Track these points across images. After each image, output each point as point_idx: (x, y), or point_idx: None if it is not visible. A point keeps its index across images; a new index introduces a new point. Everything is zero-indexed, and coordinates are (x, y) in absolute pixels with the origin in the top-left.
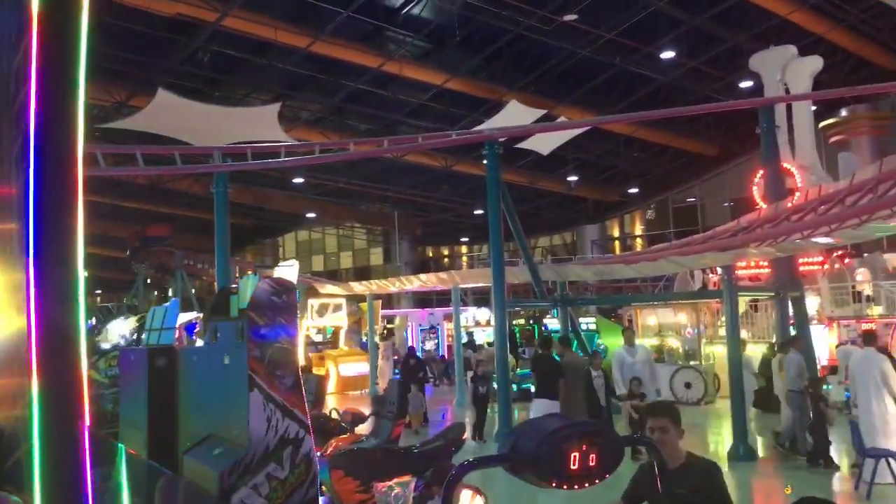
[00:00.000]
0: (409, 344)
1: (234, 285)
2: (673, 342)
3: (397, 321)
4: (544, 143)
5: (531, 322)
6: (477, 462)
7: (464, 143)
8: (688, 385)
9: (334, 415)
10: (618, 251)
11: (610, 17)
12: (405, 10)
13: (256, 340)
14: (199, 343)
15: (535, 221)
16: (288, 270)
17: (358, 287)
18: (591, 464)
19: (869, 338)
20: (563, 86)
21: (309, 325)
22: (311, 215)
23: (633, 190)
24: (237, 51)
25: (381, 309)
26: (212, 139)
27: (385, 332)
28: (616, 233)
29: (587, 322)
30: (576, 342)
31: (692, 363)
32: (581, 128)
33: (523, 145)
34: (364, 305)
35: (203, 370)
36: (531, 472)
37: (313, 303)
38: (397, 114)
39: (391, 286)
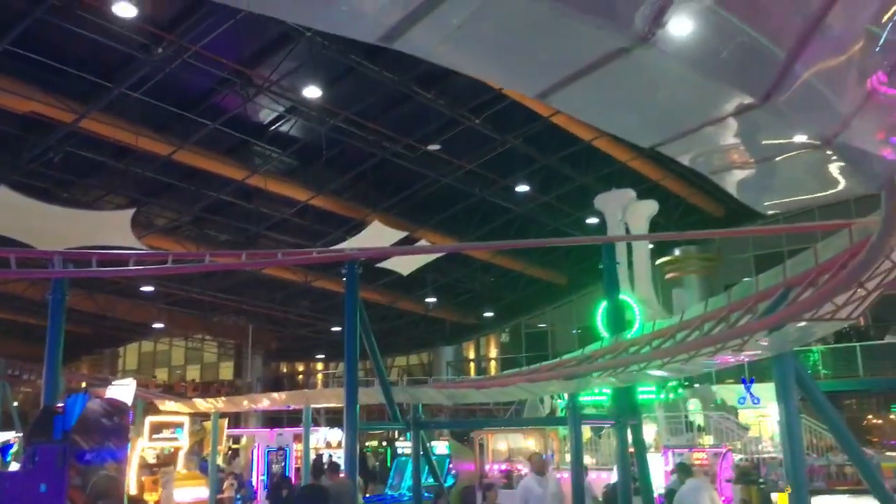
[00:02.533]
0: (283, 472)
1: (60, 404)
2: (521, 467)
3: (244, 441)
4: (405, 265)
5: (384, 444)
6: None
7: (324, 261)
8: None
9: None
10: (472, 373)
11: (471, 149)
12: (273, 127)
13: (80, 466)
14: (14, 467)
15: (392, 340)
16: (123, 389)
17: (203, 404)
18: None
19: (684, 469)
20: (424, 210)
21: (145, 447)
22: (158, 326)
23: (489, 314)
24: (93, 153)
25: (227, 427)
26: (56, 242)
27: (230, 452)
28: (472, 354)
29: (440, 445)
30: (427, 467)
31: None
32: (439, 253)
33: (384, 265)
34: (208, 424)
35: (14, 499)
36: None
37: (152, 420)
38: (259, 227)
39: (240, 404)
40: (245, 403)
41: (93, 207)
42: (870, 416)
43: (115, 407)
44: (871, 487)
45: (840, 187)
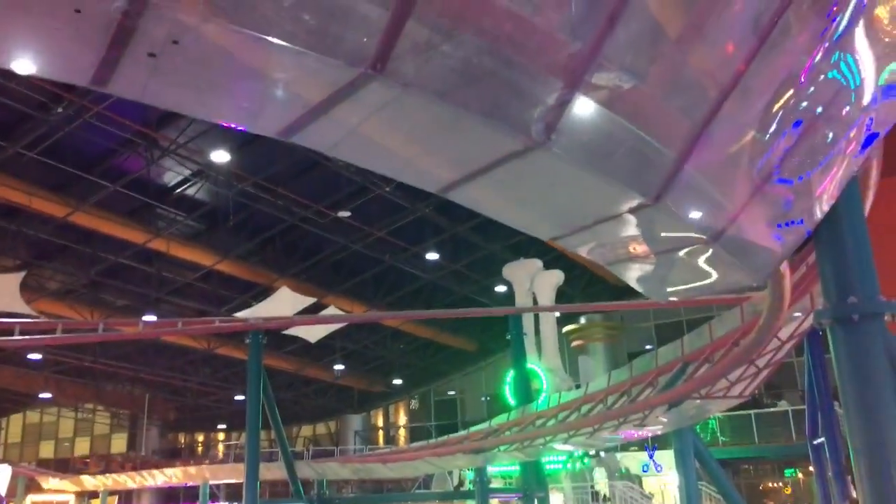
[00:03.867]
0: None
1: None
2: None
3: None
4: (312, 332)
5: None
6: None
7: (227, 330)
8: None
9: None
10: (381, 441)
11: (381, 217)
12: (179, 190)
13: None
14: None
15: (299, 409)
16: None
17: (90, 481)
18: None
19: None
20: (333, 276)
21: None
22: (45, 396)
23: (398, 381)
24: None
25: None
26: None
27: None
28: (380, 422)
29: None
30: None
31: None
32: (345, 322)
33: (291, 332)
34: (97, 503)
35: None
36: None
37: (34, 500)
38: (160, 291)
39: (130, 481)
40: (137, 480)
41: None
42: (766, 481)
43: None
44: None
45: (730, 280)
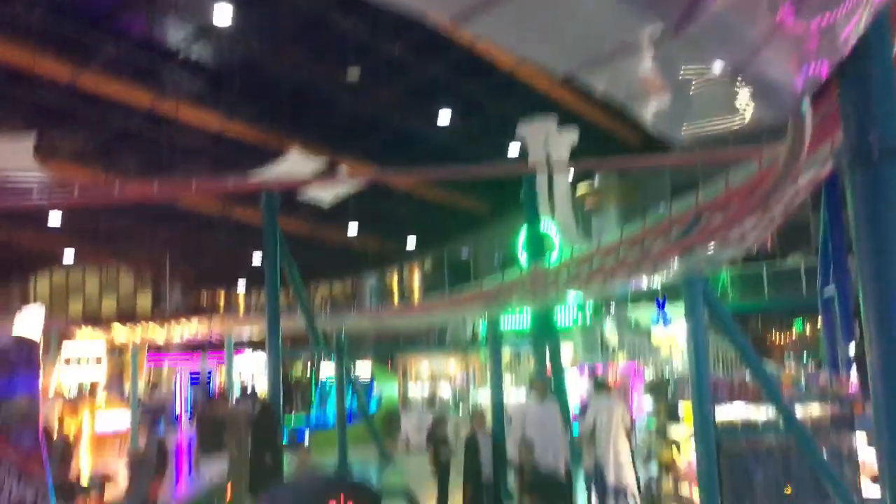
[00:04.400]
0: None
1: None
2: (443, 389)
3: (165, 370)
4: (325, 196)
5: (309, 370)
6: None
7: (240, 190)
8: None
9: (82, 477)
10: (396, 301)
11: (392, 77)
12: (184, 51)
13: None
14: None
15: (315, 270)
16: (32, 315)
17: (120, 333)
18: None
19: (600, 386)
20: (344, 138)
21: (61, 379)
22: (69, 256)
23: (411, 243)
24: None
25: (148, 357)
26: None
27: (150, 383)
28: (395, 283)
29: (363, 370)
30: (351, 390)
31: (461, 410)
32: (358, 182)
33: (303, 195)
34: (128, 355)
35: None
36: None
37: (68, 352)
38: (172, 155)
39: (158, 332)
40: (164, 332)
41: None
42: (773, 334)
43: (24, 341)
44: (769, 397)
45: (750, 116)
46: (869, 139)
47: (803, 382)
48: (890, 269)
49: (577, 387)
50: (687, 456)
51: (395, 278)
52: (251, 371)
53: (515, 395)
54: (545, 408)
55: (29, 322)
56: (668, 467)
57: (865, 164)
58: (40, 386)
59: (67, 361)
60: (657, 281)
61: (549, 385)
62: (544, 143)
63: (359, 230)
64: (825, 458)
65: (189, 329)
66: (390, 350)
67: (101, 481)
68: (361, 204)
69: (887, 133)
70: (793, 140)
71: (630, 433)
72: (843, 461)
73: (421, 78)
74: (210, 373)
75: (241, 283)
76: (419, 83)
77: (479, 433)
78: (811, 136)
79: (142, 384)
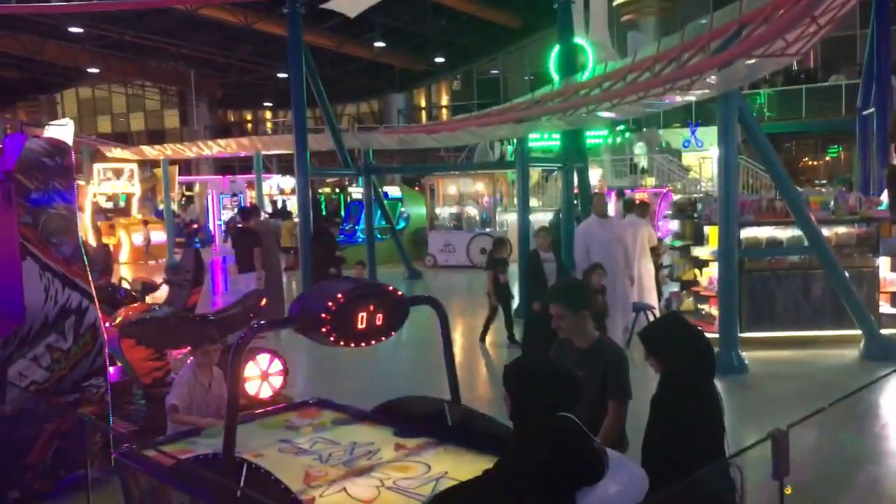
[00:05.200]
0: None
1: None
2: (471, 210)
3: (197, 188)
4: (350, 5)
5: (337, 191)
6: (266, 325)
7: None
8: (483, 250)
9: (124, 285)
10: (424, 121)
11: None
12: None
13: (28, 206)
14: None
15: (341, 88)
16: (61, 130)
17: (150, 151)
18: (377, 323)
19: (629, 205)
20: None
21: (96, 192)
22: (93, 70)
23: (440, 59)
24: None
25: (179, 175)
26: None
27: (184, 199)
28: (423, 103)
29: (391, 190)
30: (379, 211)
31: (487, 230)
32: None
33: (328, 6)
34: (159, 171)
35: None
36: (320, 334)
37: (100, 167)
38: None
39: (187, 151)
40: (194, 150)
41: None
42: (807, 158)
43: (56, 146)
44: (797, 218)
45: None
46: None
47: (832, 203)
48: None
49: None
50: (709, 274)
51: (423, 96)
52: (281, 191)
53: (543, 217)
54: (606, 224)
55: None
56: (689, 285)
57: None
58: (76, 193)
59: (101, 175)
60: (693, 98)
61: (606, 200)
62: None
63: (386, 45)
64: (846, 277)
65: (219, 146)
66: (417, 170)
67: (142, 289)
68: (389, 17)
69: None
70: None
71: (657, 252)
72: (864, 282)
73: None
74: (241, 193)
75: (268, 103)
76: None
77: (540, 250)
78: None
79: (174, 202)
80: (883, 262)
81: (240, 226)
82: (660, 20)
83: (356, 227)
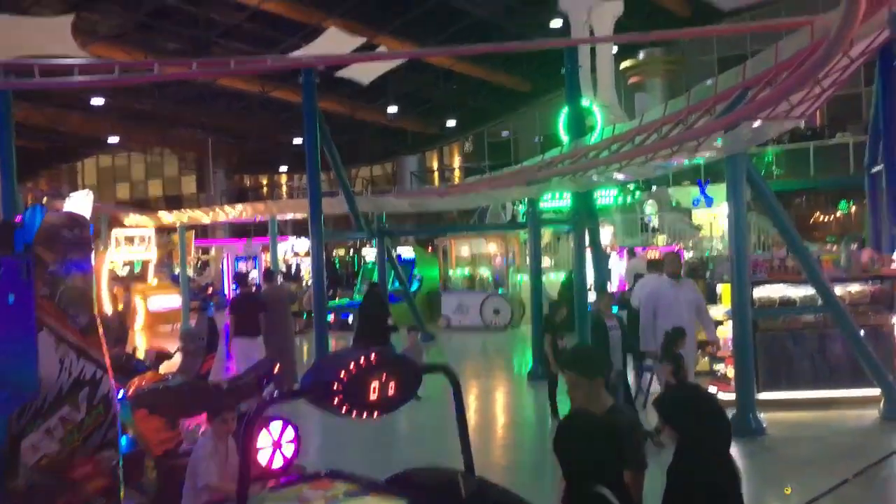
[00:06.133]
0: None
1: (18, 218)
2: (483, 271)
3: (213, 252)
4: (364, 73)
5: (352, 253)
6: (279, 396)
7: (279, 69)
8: (496, 311)
9: (138, 355)
10: (436, 182)
11: None
12: None
13: (45, 278)
14: None
15: (355, 152)
16: (81, 200)
17: (167, 217)
18: (390, 392)
19: (653, 265)
20: (383, 15)
21: (113, 259)
22: (113, 139)
23: (451, 122)
24: None
25: (196, 240)
26: None
27: (199, 263)
28: (435, 165)
29: (405, 252)
30: (392, 273)
31: (500, 291)
32: (400, 59)
33: (343, 74)
34: (175, 237)
35: None
36: (332, 405)
37: (118, 234)
38: (210, 33)
39: (204, 217)
40: (210, 216)
41: (28, 14)
42: (817, 214)
43: (75, 219)
44: (809, 277)
45: None
46: None
47: (844, 260)
48: None
49: (616, 267)
50: (723, 334)
51: (436, 158)
52: (295, 254)
53: (554, 277)
54: (677, 285)
55: (79, 205)
56: (704, 345)
57: None
58: (93, 264)
59: (118, 242)
60: (700, 160)
61: (681, 259)
62: (587, 15)
63: (399, 110)
64: (861, 336)
65: (234, 212)
66: (429, 232)
67: (156, 358)
68: (401, 83)
69: None
70: (846, 6)
71: None
72: (881, 340)
73: None
74: (256, 256)
75: (283, 167)
76: None
77: (605, 316)
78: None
79: (191, 266)
80: None
81: (239, 291)
82: (666, 81)
83: None
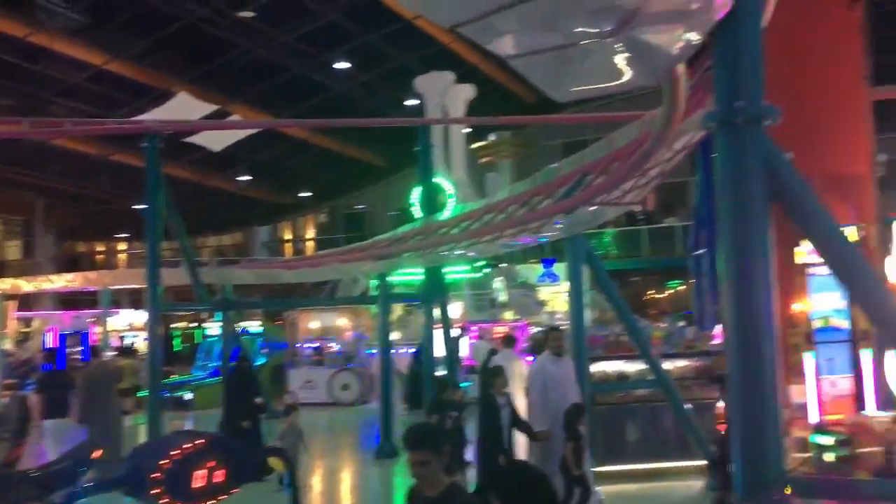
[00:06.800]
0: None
1: None
2: (333, 345)
3: (35, 324)
4: (215, 140)
5: (196, 325)
6: (94, 487)
7: (121, 132)
8: (345, 387)
9: None
10: (289, 254)
11: (288, 20)
12: None
13: None
14: None
15: (203, 220)
16: None
17: None
18: (219, 479)
19: (508, 341)
20: (236, 83)
21: None
22: None
23: (306, 194)
24: None
25: (18, 310)
26: None
27: (20, 336)
28: (288, 235)
29: (251, 325)
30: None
31: (349, 366)
32: (254, 128)
33: (193, 140)
34: None
35: None
36: (151, 497)
37: None
38: (48, 91)
39: (26, 284)
40: (34, 285)
41: None
42: (651, 292)
43: None
44: (641, 353)
45: (627, 79)
46: (735, 105)
47: (672, 338)
48: (746, 234)
49: (465, 342)
50: None
51: (289, 229)
52: (129, 326)
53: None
54: (561, 363)
55: None
56: None
57: (731, 128)
58: None
59: None
60: (544, 239)
61: (565, 338)
62: (441, 97)
63: (252, 180)
64: (689, 409)
65: (63, 280)
66: (277, 306)
67: None
68: (255, 151)
69: (751, 100)
70: (668, 104)
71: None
72: (706, 413)
73: (319, 23)
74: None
75: (124, 234)
76: (317, 29)
77: (496, 393)
78: (688, 100)
79: (9, 339)
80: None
81: (47, 369)
82: (515, 163)
83: (210, 364)
